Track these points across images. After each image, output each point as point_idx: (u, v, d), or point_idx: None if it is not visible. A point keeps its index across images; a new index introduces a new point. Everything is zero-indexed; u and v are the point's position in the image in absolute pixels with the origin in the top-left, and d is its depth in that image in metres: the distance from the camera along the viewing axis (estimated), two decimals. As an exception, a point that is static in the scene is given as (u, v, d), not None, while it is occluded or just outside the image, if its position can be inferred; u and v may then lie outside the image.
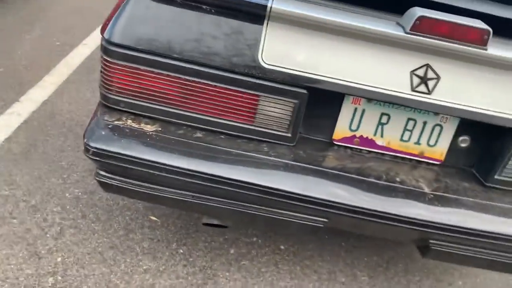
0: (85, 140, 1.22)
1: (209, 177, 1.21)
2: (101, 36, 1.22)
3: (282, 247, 1.88)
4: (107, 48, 1.20)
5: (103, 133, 1.23)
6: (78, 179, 2.03)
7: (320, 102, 1.28)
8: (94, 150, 1.21)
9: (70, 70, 2.90)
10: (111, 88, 1.26)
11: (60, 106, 2.54)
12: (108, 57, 1.21)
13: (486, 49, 1.09)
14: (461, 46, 1.09)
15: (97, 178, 1.31)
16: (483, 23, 1.09)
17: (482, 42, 1.08)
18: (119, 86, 1.25)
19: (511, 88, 1.16)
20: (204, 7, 1.16)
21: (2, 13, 3.52)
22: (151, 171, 1.23)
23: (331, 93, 1.21)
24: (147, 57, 1.19)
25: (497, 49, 1.10)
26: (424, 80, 1.16)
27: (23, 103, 2.51)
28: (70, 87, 2.73)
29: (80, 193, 1.96)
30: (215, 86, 1.22)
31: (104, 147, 1.21)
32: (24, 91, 2.61)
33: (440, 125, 1.31)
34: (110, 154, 1.21)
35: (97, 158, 1.23)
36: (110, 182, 1.30)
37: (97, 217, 1.86)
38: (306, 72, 1.18)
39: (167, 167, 1.21)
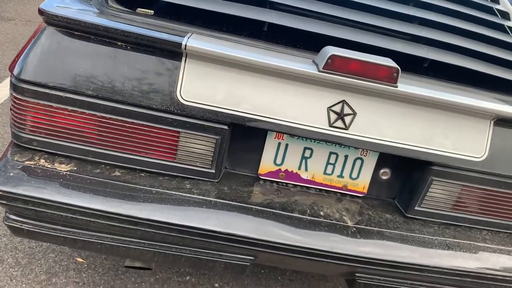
0: (-11, 183, 1.14)
1: (127, 218, 1.16)
2: (11, 71, 1.16)
3: (216, 284, 1.83)
4: (17, 86, 1.14)
5: (11, 174, 1.16)
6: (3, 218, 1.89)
7: (243, 137, 1.28)
8: (1, 193, 1.13)
9: (3, 96, 2.75)
10: (22, 126, 1.19)
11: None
12: (18, 95, 1.15)
13: (396, 86, 1.13)
14: (373, 84, 1.13)
15: (6, 223, 1.22)
16: (392, 61, 1.13)
17: (392, 80, 1.12)
18: (31, 124, 1.18)
19: (422, 123, 1.21)
20: (119, 43, 1.13)
21: None
22: (65, 214, 1.16)
23: (253, 128, 1.21)
24: (60, 94, 1.14)
25: (407, 86, 1.15)
26: (340, 116, 1.19)
27: None
28: (4, 114, 2.58)
29: (-1, 236, 1.82)
30: (133, 123, 1.18)
31: (11, 190, 1.13)
32: None
33: (361, 159, 1.33)
34: (18, 197, 1.14)
35: (5, 202, 1.15)
36: (21, 227, 1.22)
37: (16, 261, 1.73)
38: (225, 109, 1.17)
39: (81, 209, 1.15)
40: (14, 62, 1.16)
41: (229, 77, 1.15)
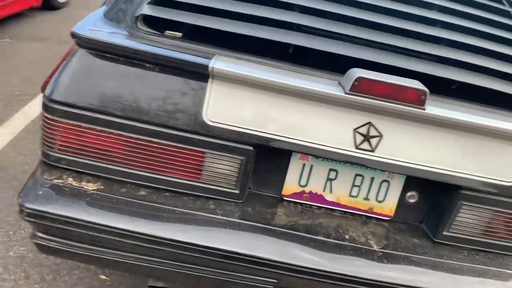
0: (19, 201, 1.16)
1: (151, 238, 1.16)
2: (43, 92, 1.19)
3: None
4: (48, 106, 1.17)
5: (40, 192, 1.18)
6: (24, 236, 1.93)
7: (268, 158, 1.27)
8: (30, 211, 1.15)
9: (27, 121, 2.84)
10: (52, 145, 1.22)
11: (14, 158, 2.46)
12: (49, 115, 1.18)
13: (424, 109, 1.11)
14: (400, 106, 1.11)
15: (33, 240, 1.24)
16: (420, 83, 1.12)
17: (420, 102, 1.11)
18: (61, 143, 1.21)
19: (450, 146, 1.18)
20: (147, 65, 1.16)
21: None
22: (91, 233, 1.17)
23: (278, 149, 1.20)
24: (89, 115, 1.17)
25: (435, 108, 1.13)
26: (367, 138, 1.17)
27: (-26, 155, 2.42)
28: (26, 138, 2.66)
29: (25, 251, 1.85)
30: (159, 143, 1.19)
31: (40, 207, 1.15)
32: (-24, 143, 2.53)
33: (388, 181, 1.31)
34: (46, 215, 1.16)
35: (33, 220, 1.17)
36: (48, 244, 1.23)
37: (42, 278, 1.75)
38: (251, 130, 1.17)
39: (107, 228, 1.16)
40: (45, 83, 1.19)
41: (255, 98, 1.15)
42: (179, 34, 1.24)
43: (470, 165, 1.19)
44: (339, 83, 1.15)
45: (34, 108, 3.03)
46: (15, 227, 1.97)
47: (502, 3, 1.68)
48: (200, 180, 1.24)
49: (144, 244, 1.17)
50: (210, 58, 1.13)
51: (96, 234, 1.17)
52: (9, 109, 2.96)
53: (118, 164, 1.22)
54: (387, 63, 1.24)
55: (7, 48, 3.87)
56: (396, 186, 1.31)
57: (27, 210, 1.15)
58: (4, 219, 2.00)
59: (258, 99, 1.16)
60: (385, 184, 1.31)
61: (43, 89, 1.18)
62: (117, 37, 1.15)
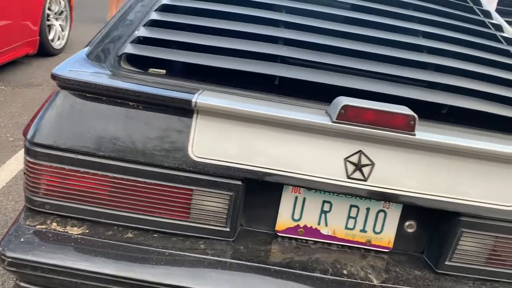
0: (0, 250, 1.11)
1: (138, 283, 1.11)
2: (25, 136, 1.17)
3: None
4: (30, 149, 1.15)
5: (21, 240, 1.13)
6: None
7: (258, 192, 1.24)
8: (10, 260, 1.10)
9: (20, 167, 2.80)
10: (35, 190, 1.18)
11: (5, 205, 2.41)
12: (31, 158, 1.15)
13: (414, 134, 1.09)
14: (389, 133, 1.09)
15: (16, 291, 1.19)
16: (408, 109, 1.09)
17: (409, 128, 1.08)
18: (44, 187, 1.17)
19: (445, 171, 1.14)
20: (130, 103, 1.14)
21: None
22: (75, 280, 1.12)
23: (268, 182, 1.17)
24: (72, 156, 1.14)
25: (425, 133, 1.10)
26: (358, 166, 1.14)
27: (-36, 204, 2.38)
28: (18, 185, 2.62)
29: (14, 303, 1.78)
30: (145, 183, 1.16)
31: (21, 256, 1.10)
32: (-33, 191, 2.49)
33: (384, 211, 1.26)
34: (28, 263, 1.11)
35: (14, 269, 1.12)
36: (31, 295, 1.18)
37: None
38: (238, 163, 1.14)
39: (92, 275, 1.11)
40: (28, 126, 1.17)
41: (241, 131, 1.13)
42: (163, 71, 1.23)
43: (466, 190, 1.15)
44: (326, 112, 1.13)
45: (27, 153, 3.01)
46: (4, 277, 1.90)
47: (488, 27, 1.69)
48: (189, 219, 1.20)
49: (132, 290, 1.12)
50: (193, 93, 1.11)
51: (81, 281, 1.12)
52: (2, 155, 2.94)
53: (103, 206, 1.18)
54: (374, 90, 1.22)
55: (2, 95, 3.89)
56: (393, 216, 1.27)
57: (8, 259, 1.11)
58: (-7, 269, 1.94)
59: (244, 132, 1.13)
60: (381, 214, 1.27)
61: (24, 133, 1.16)
62: (99, 76, 1.13)
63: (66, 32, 5.50)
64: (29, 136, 1.14)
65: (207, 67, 1.24)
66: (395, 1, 1.64)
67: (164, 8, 1.40)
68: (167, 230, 1.20)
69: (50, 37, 5.07)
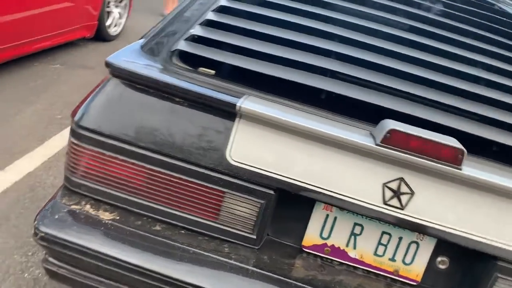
0: (35, 223, 1.15)
1: (160, 277, 1.11)
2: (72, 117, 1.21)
3: None
4: (75, 131, 1.18)
5: (56, 217, 1.17)
6: (41, 259, 1.91)
7: (289, 204, 1.22)
8: (43, 235, 1.14)
9: (63, 144, 2.91)
10: (75, 170, 1.22)
11: (45, 180, 2.50)
12: (75, 140, 1.19)
13: (460, 169, 1.04)
14: (435, 164, 1.05)
15: (44, 265, 1.22)
16: (457, 141, 1.05)
17: (457, 162, 1.04)
18: (83, 169, 1.20)
19: (487, 211, 1.09)
20: (177, 99, 1.15)
21: (12, 83, 3.63)
22: (100, 264, 1.14)
23: (301, 196, 1.15)
24: (114, 143, 1.16)
25: (473, 170, 1.05)
26: (397, 194, 1.10)
27: (7, 172, 2.48)
28: (59, 161, 2.71)
29: (40, 275, 1.84)
30: (179, 178, 1.17)
31: (53, 232, 1.14)
32: (12, 161, 2.60)
33: (417, 243, 1.22)
34: (58, 240, 1.14)
35: (45, 244, 1.15)
36: (57, 271, 1.21)
37: (51, 304, 1.72)
38: (274, 173, 1.13)
39: (116, 261, 1.12)
40: (76, 108, 1.21)
41: (281, 141, 1.12)
42: (212, 72, 1.24)
43: (507, 234, 1.09)
44: (371, 134, 1.10)
45: (71, 132, 3.12)
46: (35, 249, 1.96)
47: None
48: (217, 221, 1.20)
49: (153, 282, 1.13)
50: (239, 98, 1.11)
51: (105, 266, 1.14)
52: (48, 131, 3.05)
53: (136, 196, 1.20)
54: (423, 117, 1.18)
55: (56, 74, 4.05)
56: (426, 249, 1.22)
57: (41, 234, 1.14)
58: (26, 239, 2.01)
59: (284, 143, 1.12)
60: (413, 245, 1.22)
61: (72, 114, 1.19)
62: (150, 69, 1.15)
63: (123, 20, 5.67)
64: (76, 118, 1.18)
65: (255, 73, 1.23)
66: (457, 29, 1.59)
67: (221, 9, 1.41)
68: (194, 228, 1.21)
69: (107, 23, 5.24)
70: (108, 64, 1.13)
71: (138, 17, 6.38)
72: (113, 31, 5.43)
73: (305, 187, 1.12)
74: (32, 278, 1.81)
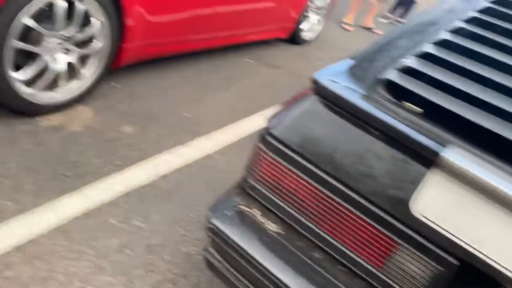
0: (207, 213, 1.21)
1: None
2: (266, 123, 1.23)
3: None
4: (264, 137, 1.20)
5: (227, 212, 1.21)
6: (198, 238, 2.06)
7: (470, 281, 1.05)
8: (211, 226, 1.20)
9: (242, 134, 3.10)
10: (253, 173, 1.25)
11: (219, 163, 2.69)
12: (262, 145, 1.21)
13: None
14: None
15: (203, 253, 1.29)
16: None
17: None
18: (260, 174, 1.23)
19: None
20: (373, 131, 1.08)
21: (209, 70, 4.02)
22: (254, 272, 1.15)
23: (488, 277, 0.97)
24: (298, 159, 1.15)
25: None
26: None
27: (190, 148, 2.74)
28: (233, 150, 2.89)
29: (193, 252, 1.98)
30: (353, 213, 1.10)
31: (221, 227, 1.19)
32: (194, 138, 2.86)
33: None
34: (223, 236, 1.18)
35: (210, 235, 1.21)
36: (213, 263, 1.26)
37: (197, 282, 1.84)
38: (464, 242, 0.98)
39: (269, 274, 1.12)
40: (273, 116, 1.23)
41: (483, 209, 0.96)
42: (420, 110, 1.13)
43: None
44: None
45: (248, 124, 3.30)
46: (195, 226, 2.12)
47: None
48: (381, 270, 1.10)
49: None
50: (444, 146, 0.99)
51: (256, 275, 1.14)
52: (228, 118, 3.28)
53: (306, 217, 1.17)
54: None
55: (246, 67, 4.35)
56: None
57: (210, 225, 1.20)
58: (188, 215, 2.19)
59: (485, 211, 0.96)
60: None
61: (268, 122, 1.22)
62: (354, 95, 1.10)
63: (320, 27, 5.80)
64: (270, 125, 1.20)
65: (468, 121, 1.08)
66: None
67: (443, 44, 1.28)
68: (354, 269, 1.13)
69: (303, 27, 5.42)
70: (314, 81, 1.11)
71: (328, 26, 6.47)
72: (306, 36, 5.60)
73: (498, 269, 0.94)
74: (186, 253, 1.96)
